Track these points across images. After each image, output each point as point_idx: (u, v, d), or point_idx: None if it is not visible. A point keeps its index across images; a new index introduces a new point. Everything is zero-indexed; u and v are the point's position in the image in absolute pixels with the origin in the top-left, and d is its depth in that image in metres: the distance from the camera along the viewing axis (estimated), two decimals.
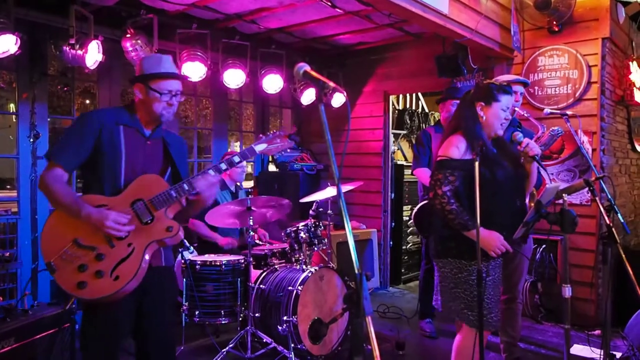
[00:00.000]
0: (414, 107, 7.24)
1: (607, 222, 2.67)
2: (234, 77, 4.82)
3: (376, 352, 1.32)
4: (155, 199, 2.14)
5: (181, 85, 2.29)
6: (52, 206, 2.15)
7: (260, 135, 2.36)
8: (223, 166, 2.25)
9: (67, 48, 3.70)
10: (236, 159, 2.27)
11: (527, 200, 2.78)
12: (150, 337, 2.24)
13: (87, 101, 9.74)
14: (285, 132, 2.37)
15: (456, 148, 2.57)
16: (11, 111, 5.37)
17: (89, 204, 2.08)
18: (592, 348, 3.65)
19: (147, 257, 2.11)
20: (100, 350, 2.13)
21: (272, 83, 5.16)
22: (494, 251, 2.49)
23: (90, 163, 2.16)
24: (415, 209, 3.90)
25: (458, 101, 4.06)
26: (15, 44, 3.49)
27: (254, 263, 3.89)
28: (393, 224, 5.96)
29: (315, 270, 3.63)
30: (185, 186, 2.17)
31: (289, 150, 2.42)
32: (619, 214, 2.80)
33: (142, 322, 2.22)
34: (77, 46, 3.69)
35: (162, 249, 2.27)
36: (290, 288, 3.51)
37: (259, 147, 2.30)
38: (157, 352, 2.27)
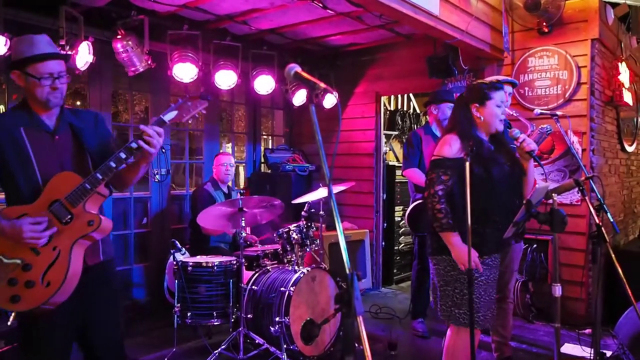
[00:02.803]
0: (405, 108, 7.27)
1: (597, 221, 2.69)
2: (226, 78, 4.81)
3: (367, 352, 1.33)
4: (70, 196, 2.05)
5: (64, 65, 2.12)
6: None
7: (170, 104, 2.22)
8: (134, 145, 2.08)
9: (57, 49, 3.68)
10: (148, 129, 2.07)
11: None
12: (97, 335, 2.20)
13: (78, 102, 9.67)
14: (196, 93, 2.27)
15: (449, 146, 2.62)
16: (0, 112, 5.33)
17: (9, 216, 2.01)
18: (583, 347, 3.67)
19: (74, 256, 2.05)
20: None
21: (264, 84, 5.15)
22: (463, 265, 2.51)
23: (3, 175, 2.08)
24: (409, 209, 3.92)
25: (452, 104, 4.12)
26: (5, 45, 3.46)
27: (246, 264, 3.88)
28: (385, 224, 5.97)
29: (308, 271, 3.63)
30: (99, 175, 2.05)
31: (202, 113, 2.28)
32: (608, 214, 2.83)
33: (86, 323, 2.17)
34: (67, 47, 3.67)
35: (100, 244, 2.20)
36: (282, 289, 3.51)
37: (169, 116, 2.17)
38: (105, 349, 2.22)
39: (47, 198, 2.05)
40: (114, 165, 2.06)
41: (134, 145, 2.08)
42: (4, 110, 4.23)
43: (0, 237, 2.00)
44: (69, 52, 3.65)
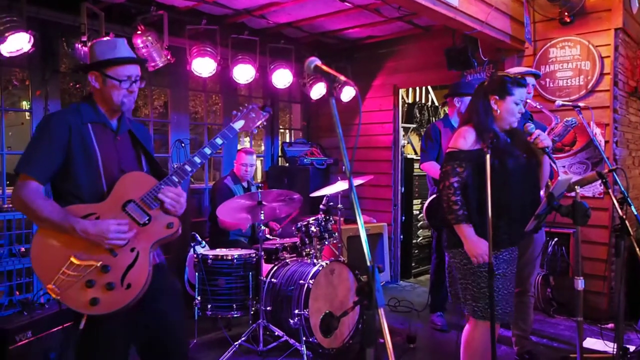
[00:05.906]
0: (423, 101, 7.21)
1: (620, 214, 2.65)
2: (244, 73, 4.83)
3: (389, 344, 1.33)
4: (146, 198, 2.00)
5: (140, 70, 2.12)
6: (36, 224, 1.98)
7: (235, 113, 2.27)
8: (207, 150, 2.13)
9: (79, 45, 3.74)
10: (218, 140, 2.16)
11: (542, 192, 2.76)
12: (165, 336, 2.10)
13: None
14: (258, 105, 2.31)
15: (464, 139, 2.59)
16: (24, 108, 5.44)
17: (75, 215, 1.91)
18: (605, 341, 3.62)
19: (152, 259, 2.01)
20: None
21: (282, 78, 5.16)
22: (475, 257, 2.51)
23: (63, 171, 1.98)
24: (427, 202, 3.90)
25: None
26: (29, 42, 3.52)
27: (265, 257, 3.91)
28: (403, 217, 5.95)
29: (326, 264, 3.65)
30: (175, 178, 2.05)
31: (263, 125, 2.39)
32: (632, 207, 2.78)
33: (151, 326, 2.07)
34: (89, 43, 3.73)
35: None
36: (301, 282, 3.53)
37: (237, 125, 2.23)
38: (175, 349, 2.14)
39: (118, 198, 1.99)
40: (189, 169, 2.09)
41: (207, 150, 2.13)
42: (27, 107, 4.31)
43: (74, 237, 1.90)
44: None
